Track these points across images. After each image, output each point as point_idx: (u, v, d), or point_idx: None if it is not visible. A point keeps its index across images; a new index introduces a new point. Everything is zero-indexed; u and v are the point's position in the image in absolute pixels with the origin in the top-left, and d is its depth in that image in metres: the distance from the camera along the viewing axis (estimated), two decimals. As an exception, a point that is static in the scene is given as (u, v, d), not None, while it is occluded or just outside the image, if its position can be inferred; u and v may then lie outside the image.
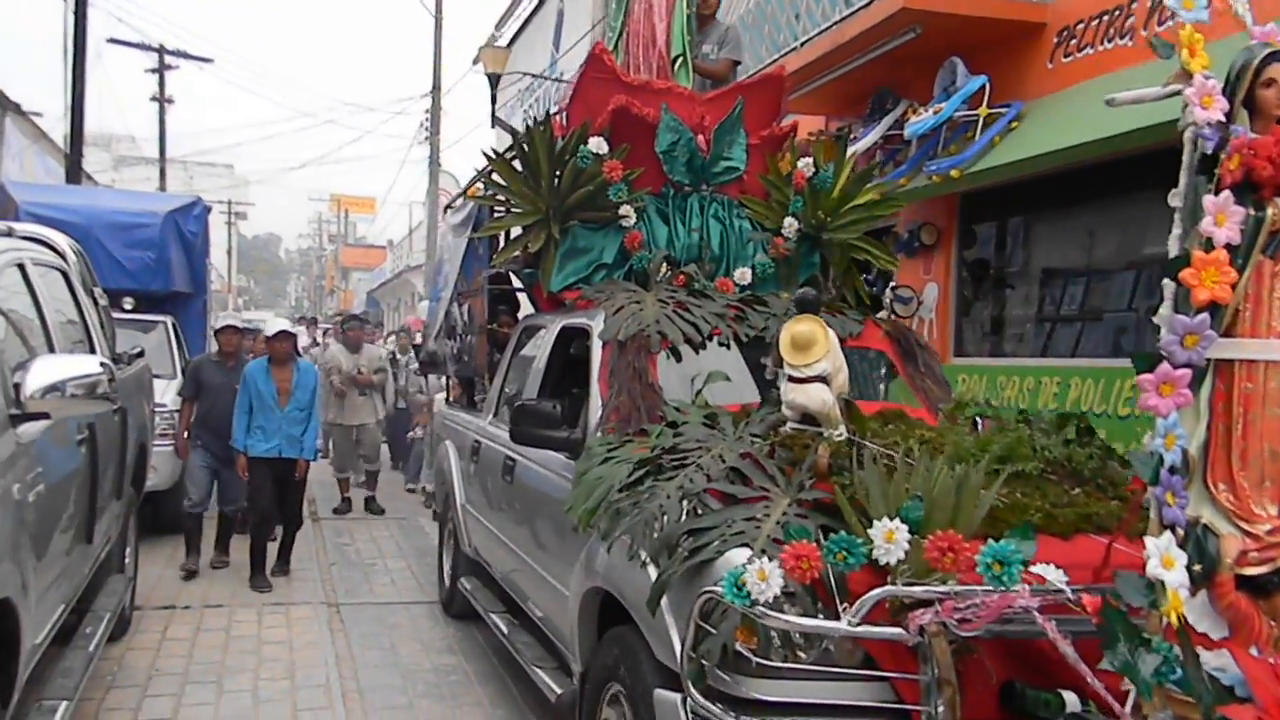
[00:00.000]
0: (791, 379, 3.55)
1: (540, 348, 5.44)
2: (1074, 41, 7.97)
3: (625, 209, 5.33)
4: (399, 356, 11.60)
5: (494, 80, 15.78)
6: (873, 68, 8.95)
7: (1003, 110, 8.23)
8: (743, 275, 5.41)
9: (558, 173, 5.30)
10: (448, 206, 7.67)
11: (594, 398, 4.52)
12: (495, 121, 15.63)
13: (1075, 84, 7.73)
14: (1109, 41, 7.60)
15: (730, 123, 5.51)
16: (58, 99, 15.44)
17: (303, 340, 17.13)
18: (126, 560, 6.10)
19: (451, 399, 7.60)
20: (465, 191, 7.27)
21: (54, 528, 3.81)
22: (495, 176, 5.52)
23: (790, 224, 5.50)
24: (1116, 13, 7.56)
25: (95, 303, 5.63)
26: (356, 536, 9.44)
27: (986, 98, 8.30)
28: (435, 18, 25.07)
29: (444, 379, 9.72)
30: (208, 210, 10.40)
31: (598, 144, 5.28)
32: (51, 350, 4.19)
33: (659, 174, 5.48)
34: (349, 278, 57.30)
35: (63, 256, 5.19)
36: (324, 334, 15.14)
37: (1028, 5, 8.39)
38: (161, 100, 33.44)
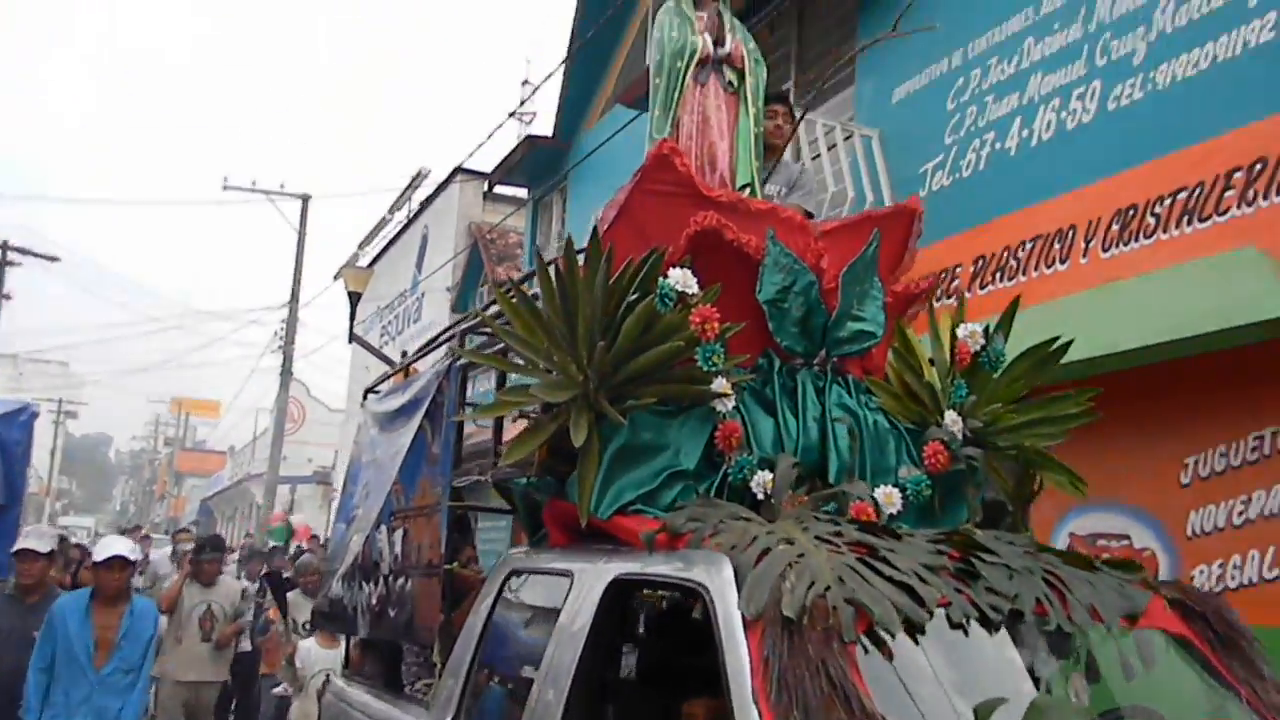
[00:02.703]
0: None
1: (567, 612, 2.95)
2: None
3: (719, 384, 3.04)
4: (250, 587, 8.48)
5: (354, 299, 14.73)
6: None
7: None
8: (889, 498, 3.14)
9: (610, 320, 3.01)
10: (370, 389, 5.13)
11: (748, 735, 2.08)
12: (353, 338, 14.75)
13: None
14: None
15: (863, 266, 3.38)
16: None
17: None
18: None
19: (350, 668, 4.83)
20: (407, 367, 4.83)
21: None
22: (506, 323, 3.16)
23: (954, 422, 3.32)
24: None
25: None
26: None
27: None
28: (299, 233, 23.17)
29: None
30: (35, 416, 8.56)
31: (682, 278, 3.03)
32: None
33: (758, 336, 3.26)
34: (182, 484, 51.51)
35: None
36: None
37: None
38: (-1, 296, 29.96)
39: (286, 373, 23.40)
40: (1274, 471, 4.86)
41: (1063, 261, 6.01)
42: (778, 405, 3.21)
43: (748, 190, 3.90)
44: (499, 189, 17.36)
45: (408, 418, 4.17)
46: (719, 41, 4.01)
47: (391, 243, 23.09)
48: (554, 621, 3.01)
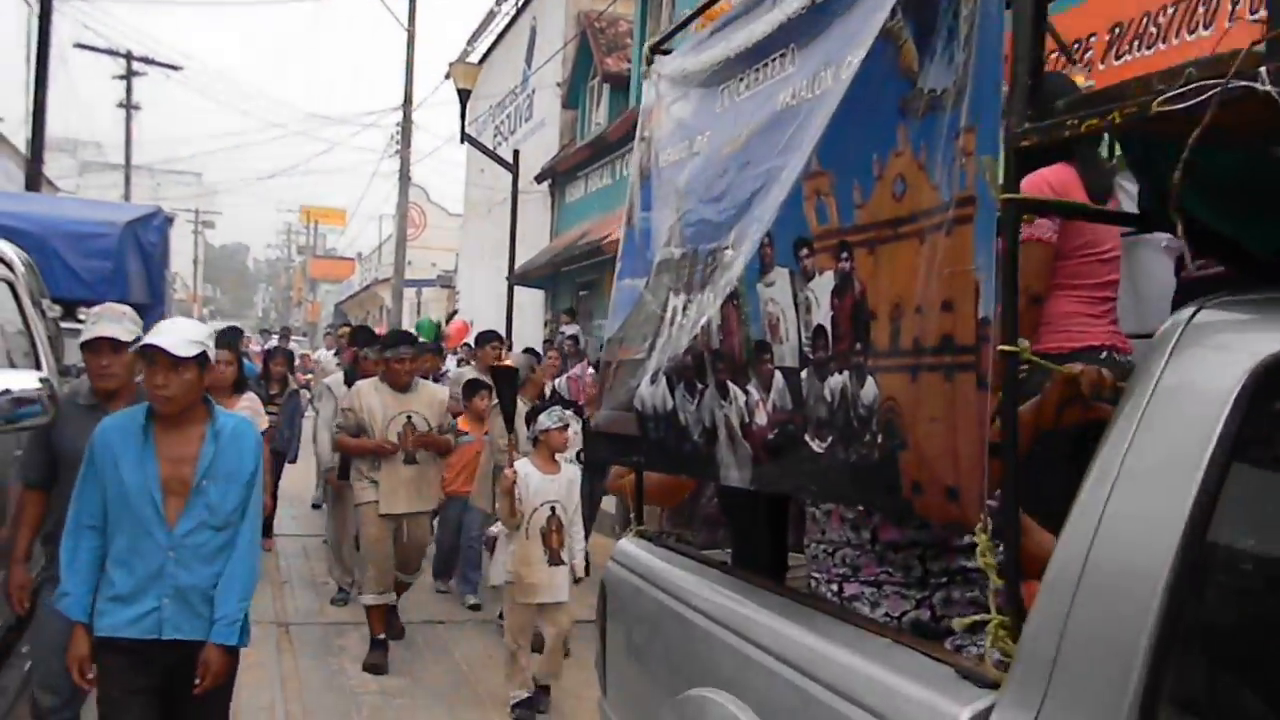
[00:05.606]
0: None
1: None
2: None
3: None
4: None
5: (464, 96, 13.54)
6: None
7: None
8: None
9: None
10: (657, 46, 2.65)
11: None
12: (465, 137, 13.85)
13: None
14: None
15: None
16: (20, 103, 12.47)
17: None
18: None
19: (640, 523, 2.68)
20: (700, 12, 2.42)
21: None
22: None
23: None
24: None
25: (43, 315, 4.54)
26: (310, 555, 7.51)
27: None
28: (409, 31, 20.78)
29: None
30: (169, 220, 8.44)
31: None
32: None
33: None
34: (317, 289, 51.05)
35: (10, 268, 4.22)
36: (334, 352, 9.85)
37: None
38: (129, 107, 29.33)
39: (405, 177, 21.82)
40: None
41: (1206, 27, 4.13)
42: None
43: None
44: (609, -27, 15.63)
45: (804, 45, 1.78)
46: None
47: (500, 37, 20.99)
48: None
